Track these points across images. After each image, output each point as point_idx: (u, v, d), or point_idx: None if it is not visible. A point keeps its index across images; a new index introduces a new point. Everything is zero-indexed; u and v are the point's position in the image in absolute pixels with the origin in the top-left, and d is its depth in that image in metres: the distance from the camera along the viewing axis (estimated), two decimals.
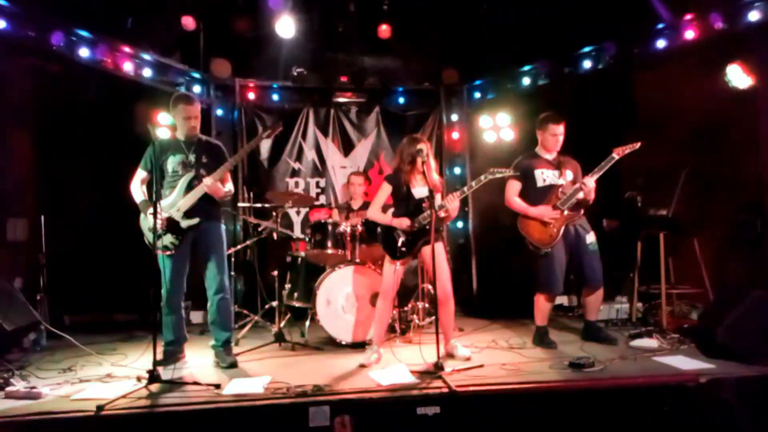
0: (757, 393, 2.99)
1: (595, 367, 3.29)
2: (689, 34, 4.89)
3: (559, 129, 4.07)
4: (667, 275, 4.65)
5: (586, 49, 5.55)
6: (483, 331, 4.79)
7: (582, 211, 4.06)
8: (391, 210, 3.93)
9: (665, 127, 5.12)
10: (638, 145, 3.85)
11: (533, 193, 4.06)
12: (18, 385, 3.13)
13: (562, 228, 3.95)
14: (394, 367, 3.40)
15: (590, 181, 3.90)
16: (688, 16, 4.87)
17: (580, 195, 3.94)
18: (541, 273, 4.02)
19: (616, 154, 3.89)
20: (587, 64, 5.59)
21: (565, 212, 3.96)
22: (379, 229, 3.92)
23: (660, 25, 5.04)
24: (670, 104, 5.15)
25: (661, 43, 5.10)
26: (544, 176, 4.06)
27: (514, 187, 4.12)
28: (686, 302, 4.97)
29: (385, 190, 3.83)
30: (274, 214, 4.74)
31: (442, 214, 3.64)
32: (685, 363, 3.35)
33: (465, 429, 2.84)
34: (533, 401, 2.97)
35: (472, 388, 2.96)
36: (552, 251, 3.94)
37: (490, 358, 3.69)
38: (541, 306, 4.07)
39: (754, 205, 4.55)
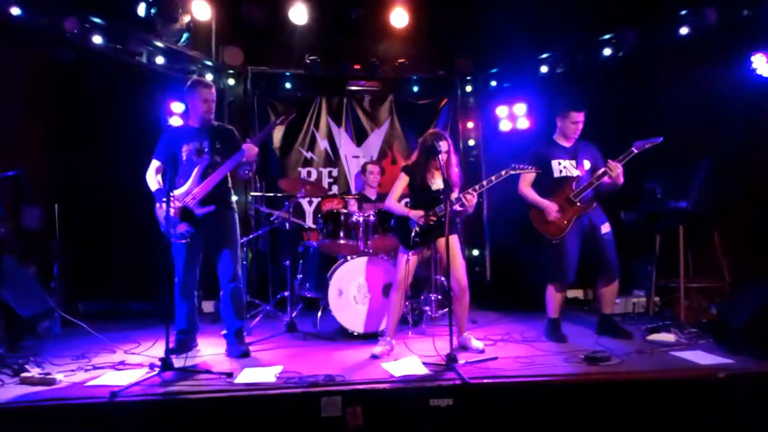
0: None
1: (611, 361, 3.24)
2: (712, 21, 4.76)
3: (580, 117, 3.99)
4: (685, 269, 4.56)
5: (606, 37, 5.43)
6: (497, 323, 4.75)
7: (594, 204, 3.99)
8: (406, 200, 3.89)
9: (686, 117, 5.00)
10: (660, 139, 3.75)
11: (548, 184, 4.01)
12: (32, 372, 3.15)
13: (573, 220, 3.90)
14: (406, 359, 3.37)
15: (617, 165, 3.79)
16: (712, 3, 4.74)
17: (595, 182, 3.87)
18: (551, 263, 3.98)
19: (635, 149, 3.80)
20: (607, 51, 5.46)
21: (578, 204, 3.90)
22: (393, 219, 3.89)
23: (682, 12, 4.91)
24: (691, 93, 5.02)
25: (683, 30, 4.97)
26: (561, 167, 4.00)
27: (527, 177, 4.05)
28: (705, 296, 4.87)
29: (403, 181, 3.79)
30: (286, 203, 4.72)
31: (458, 207, 3.60)
32: (703, 358, 3.29)
33: (478, 421, 2.81)
34: (547, 394, 2.92)
35: (485, 381, 2.93)
36: (563, 241, 3.90)
37: (503, 350, 3.66)
38: (553, 297, 4.02)
39: None
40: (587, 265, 4.00)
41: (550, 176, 4.00)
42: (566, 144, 4.08)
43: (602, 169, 3.86)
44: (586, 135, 4.13)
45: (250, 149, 3.62)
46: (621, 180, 3.85)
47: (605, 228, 3.96)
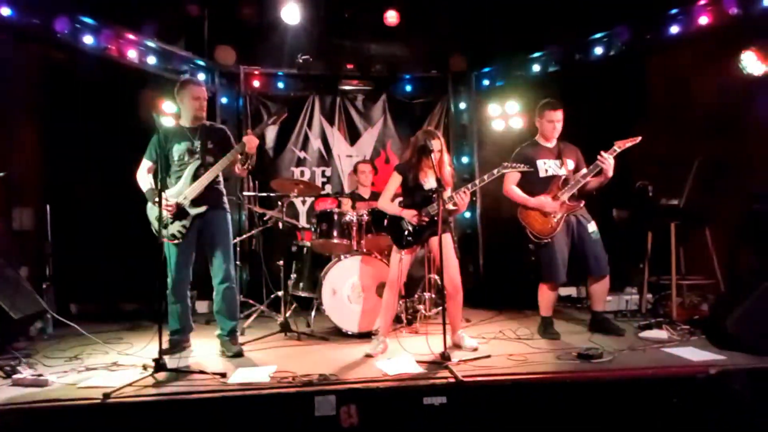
0: None
1: (603, 358, 3.25)
2: (703, 20, 4.80)
3: (557, 116, 4.01)
4: (677, 266, 4.59)
5: (598, 35, 5.46)
6: (490, 321, 4.77)
7: (582, 202, 4.01)
8: (399, 200, 3.90)
9: (678, 115, 5.04)
10: (639, 138, 3.80)
11: (534, 184, 4.02)
12: (25, 373, 3.13)
13: (563, 218, 3.92)
14: (400, 357, 3.38)
15: (610, 157, 3.80)
16: (703, 1, 4.77)
17: (582, 181, 3.90)
18: (543, 263, 3.99)
19: (617, 147, 3.83)
20: (599, 50, 5.49)
21: (566, 202, 3.92)
22: (386, 219, 3.89)
23: (673, 11, 4.94)
24: (683, 91, 5.06)
25: (674, 29, 5.00)
26: (547, 166, 4.03)
27: (512, 176, 4.05)
28: (697, 293, 4.91)
29: (396, 180, 3.80)
30: (279, 203, 4.72)
31: (450, 206, 3.61)
32: (695, 354, 3.31)
33: (471, 419, 2.82)
34: (540, 392, 2.94)
35: (478, 379, 2.94)
36: (553, 241, 3.92)
37: (497, 348, 3.67)
38: (545, 296, 4.04)
39: (767, 194, 4.47)
40: (579, 264, 4.03)
41: (537, 176, 4.01)
42: (548, 144, 4.11)
43: (579, 173, 3.88)
44: (578, 133, 4.15)
45: (251, 140, 3.58)
46: (610, 173, 3.87)
47: (592, 227, 3.99)
